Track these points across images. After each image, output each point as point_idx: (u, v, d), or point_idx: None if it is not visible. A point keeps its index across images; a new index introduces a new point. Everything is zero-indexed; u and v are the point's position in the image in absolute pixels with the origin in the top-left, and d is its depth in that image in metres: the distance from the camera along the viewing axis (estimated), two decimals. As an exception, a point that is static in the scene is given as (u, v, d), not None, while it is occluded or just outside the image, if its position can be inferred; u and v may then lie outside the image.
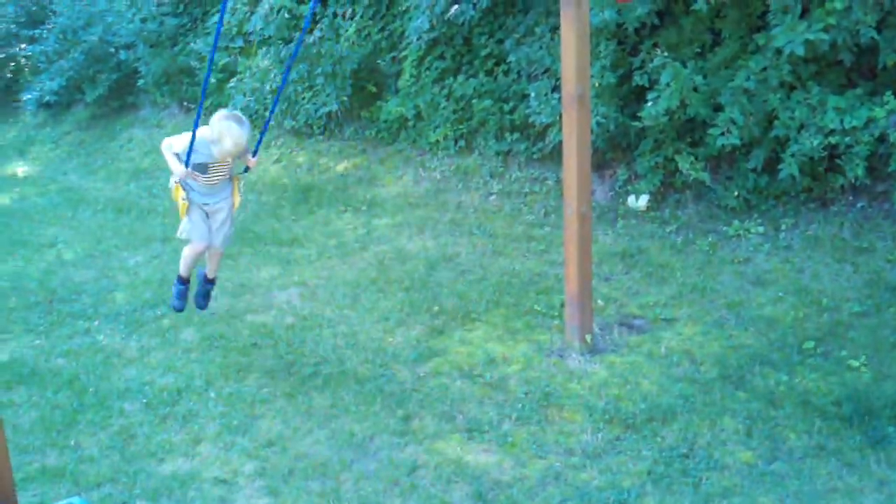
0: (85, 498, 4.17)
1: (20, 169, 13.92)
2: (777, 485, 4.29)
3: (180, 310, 5.73)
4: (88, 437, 5.18)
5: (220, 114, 5.01)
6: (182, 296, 5.65)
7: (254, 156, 5.30)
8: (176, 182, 5.17)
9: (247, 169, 5.35)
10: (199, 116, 4.81)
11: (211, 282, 5.72)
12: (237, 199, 5.41)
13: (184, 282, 5.62)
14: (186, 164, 5.00)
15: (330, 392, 5.51)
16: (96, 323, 6.91)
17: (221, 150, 4.99)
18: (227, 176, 5.27)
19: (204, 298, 5.76)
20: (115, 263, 8.41)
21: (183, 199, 5.18)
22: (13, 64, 16.78)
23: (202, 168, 5.08)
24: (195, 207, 5.25)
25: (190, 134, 5.01)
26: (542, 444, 4.78)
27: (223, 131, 4.94)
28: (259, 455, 4.87)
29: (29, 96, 14.45)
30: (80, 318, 7.03)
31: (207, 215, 5.32)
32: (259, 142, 5.41)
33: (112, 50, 14.05)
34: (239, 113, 5.17)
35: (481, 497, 4.35)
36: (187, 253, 5.44)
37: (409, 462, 4.70)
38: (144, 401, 5.57)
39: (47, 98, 14.10)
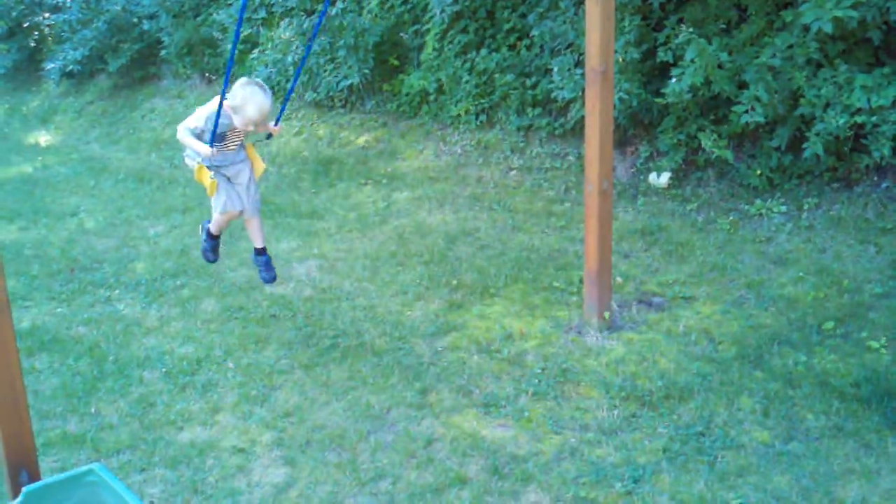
0: (104, 464, 4.21)
1: (43, 138, 14.01)
2: (793, 465, 4.28)
3: (214, 261, 5.78)
4: (108, 405, 5.24)
5: (242, 80, 4.91)
6: (214, 249, 5.68)
7: (276, 124, 5.23)
8: (198, 163, 5.05)
9: (270, 136, 5.32)
10: (226, 84, 4.67)
11: (263, 251, 5.62)
12: (260, 165, 5.34)
13: (214, 237, 5.62)
14: (210, 143, 4.86)
15: (348, 364, 5.54)
16: (117, 292, 6.96)
17: (244, 118, 4.89)
18: (241, 142, 5.20)
19: (267, 270, 5.64)
20: (136, 233, 8.47)
21: (211, 178, 5.05)
22: (37, 33, 16.82)
23: (220, 137, 4.97)
24: (221, 179, 5.17)
25: (204, 109, 4.96)
26: (558, 419, 4.79)
27: (247, 97, 4.83)
28: (277, 425, 4.91)
29: (52, 65, 14.49)
30: (101, 286, 7.09)
31: (229, 179, 5.25)
32: (282, 110, 5.41)
33: (135, 20, 14.06)
34: (260, 80, 5.10)
35: (497, 471, 4.37)
36: (220, 218, 5.40)
37: (425, 435, 4.73)
38: (164, 370, 5.62)
39: (70, 67, 14.13)
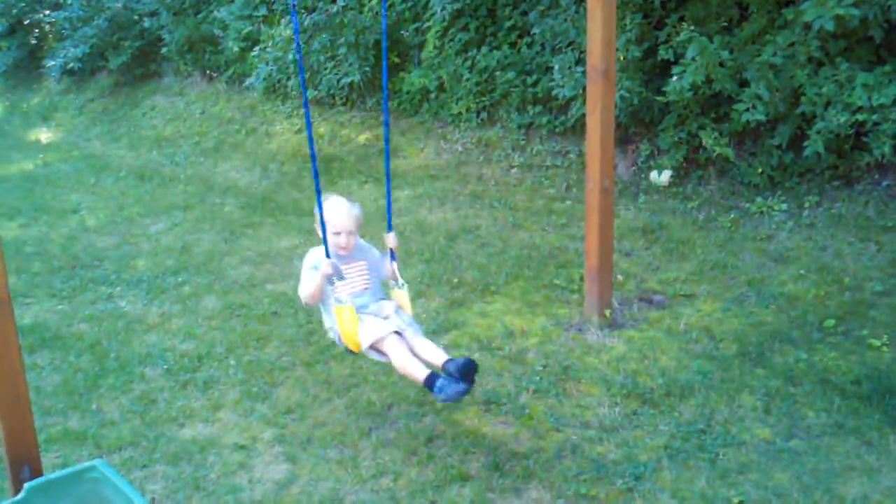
0: (106, 460, 4.21)
1: (44, 135, 14.02)
2: (794, 462, 4.28)
3: (460, 393, 4.15)
4: (110, 402, 5.24)
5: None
6: (442, 388, 4.17)
7: (389, 230, 4.86)
8: (337, 305, 4.43)
9: (393, 256, 4.82)
10: (318, 195, 4.54)
11: (450, 361, 4.32)
12: (405, 297, 4.75)
13: (433, 379, 4.23)
14: (326, 255, 4.50)
15: (349, 361, 5.54)
16: (118, 289, 6.97)
17: (333, 230, 4.56)
18: (367, 272, 4.73)
19: (466, 372, 4.25)
20: (137, 230, 8.47)
21: (353, 312, 4.43)
22: (37, 30, 16.83)
23: (339, 274, 4.51)
24: (361, 315, 4.53)
25: (306, 258, 4.67)
26: (559, 416, 4.79)
27: (326, 209, 4.55)
28: (278, 422, 4.91)
29: (53, 63, 14.50)
30: (102, 283, 7.09)
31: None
32: (388, 211, 4.91)
33: (135, 17, 14.08)
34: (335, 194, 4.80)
35: (498, 468, 4.37)
36: (396, 360, 4.35)
37: (426, 432, 4.73)
38: (165, 366, 5.62)
39: (71, 65, 14.13)
